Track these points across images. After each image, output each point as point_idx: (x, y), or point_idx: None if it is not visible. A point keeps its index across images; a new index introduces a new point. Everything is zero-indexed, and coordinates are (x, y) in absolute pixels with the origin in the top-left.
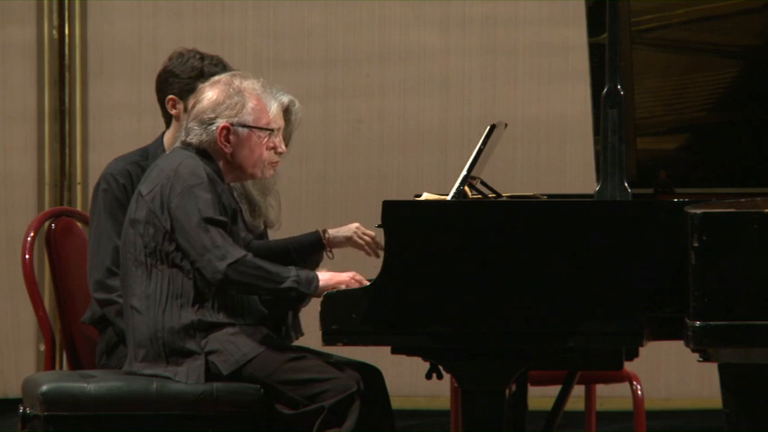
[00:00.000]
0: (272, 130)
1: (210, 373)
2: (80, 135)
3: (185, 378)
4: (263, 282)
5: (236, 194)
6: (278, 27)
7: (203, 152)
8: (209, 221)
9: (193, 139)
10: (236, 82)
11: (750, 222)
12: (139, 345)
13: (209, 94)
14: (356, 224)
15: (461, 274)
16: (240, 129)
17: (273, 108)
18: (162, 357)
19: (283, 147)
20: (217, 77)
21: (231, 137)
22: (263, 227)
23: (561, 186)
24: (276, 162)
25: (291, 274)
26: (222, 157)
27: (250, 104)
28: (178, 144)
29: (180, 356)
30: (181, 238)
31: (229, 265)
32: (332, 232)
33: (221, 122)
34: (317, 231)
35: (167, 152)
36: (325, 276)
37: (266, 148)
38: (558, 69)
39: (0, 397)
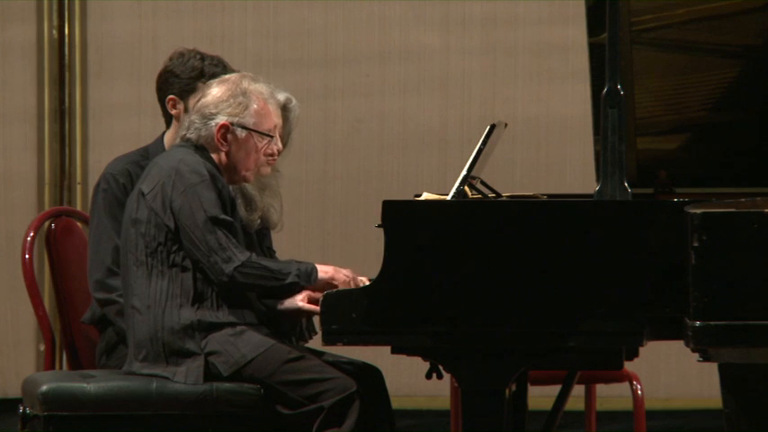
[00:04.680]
0: (273, 137)
1: (210, 374)
2: (80, 135)
3: (184, 378)
4: (267, 281)
5: (231, 188)
6: (278, 27)
7: (202, 148)
8: (215, 221)
9: (192, 134)
10: (245, 83)
11: (750, 222)
12: (140, 345)
13: (215, 90)
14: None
15: (461, 274)
16: (239, 130)
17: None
18: (162, 357)
19: (280, 144)
20: (227, 76)
21: (229, 136)
22: (259, 221)
23: (561, 186)
24: (273, 159)
25: (293, 268)
26: (217, 155)
27: (254, 107)
28: (178, 140)
29: (179, 357)
30: (185, 238)
31: (235, 268)
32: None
33: (221, 120)
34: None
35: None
36: (324, 269)
37: (263, 154)
38: (558, 69)
39: (0, 397)
